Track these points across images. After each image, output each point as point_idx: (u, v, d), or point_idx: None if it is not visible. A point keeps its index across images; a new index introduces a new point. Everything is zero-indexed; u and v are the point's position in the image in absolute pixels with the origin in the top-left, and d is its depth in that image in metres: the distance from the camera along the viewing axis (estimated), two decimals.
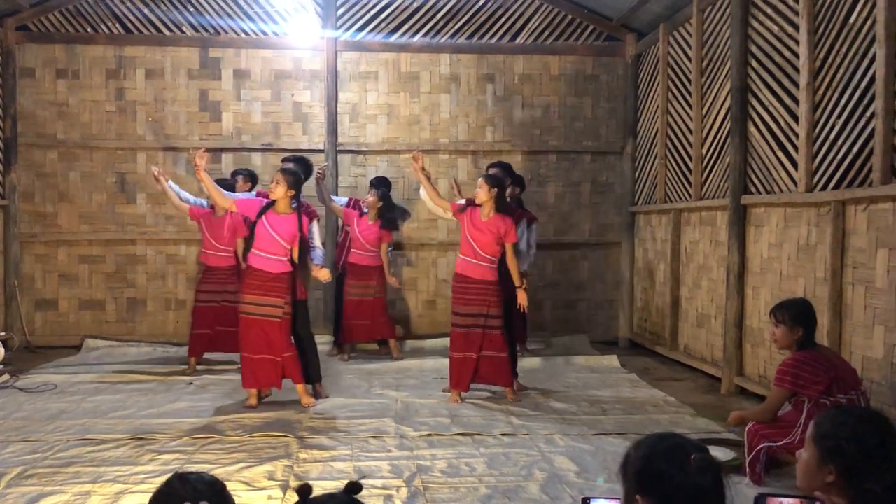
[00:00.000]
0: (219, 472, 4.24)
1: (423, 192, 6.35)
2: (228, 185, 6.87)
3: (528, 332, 8.55)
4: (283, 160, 6.53)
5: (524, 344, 7.98)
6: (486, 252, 5.91)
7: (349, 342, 7.84)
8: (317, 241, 6.03)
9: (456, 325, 6.01)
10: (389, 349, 7.92)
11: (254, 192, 7.02)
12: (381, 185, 7.83)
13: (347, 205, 7.83)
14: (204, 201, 7.07)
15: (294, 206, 5.76)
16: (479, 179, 5.99)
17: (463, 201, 6.22)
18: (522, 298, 5.99)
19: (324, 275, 5.92)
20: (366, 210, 7.67)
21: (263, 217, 5.69)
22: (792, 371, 4.04)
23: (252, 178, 7.48)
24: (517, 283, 5.99)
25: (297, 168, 6.14)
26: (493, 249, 5.91)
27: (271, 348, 5.71)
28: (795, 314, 4.16)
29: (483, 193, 5.89)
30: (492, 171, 6.41)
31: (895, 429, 2.15)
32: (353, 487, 1.79)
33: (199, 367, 7.12)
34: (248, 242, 5.78)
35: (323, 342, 8.31)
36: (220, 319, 6.99)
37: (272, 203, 5.72)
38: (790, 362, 4.09)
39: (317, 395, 6.07)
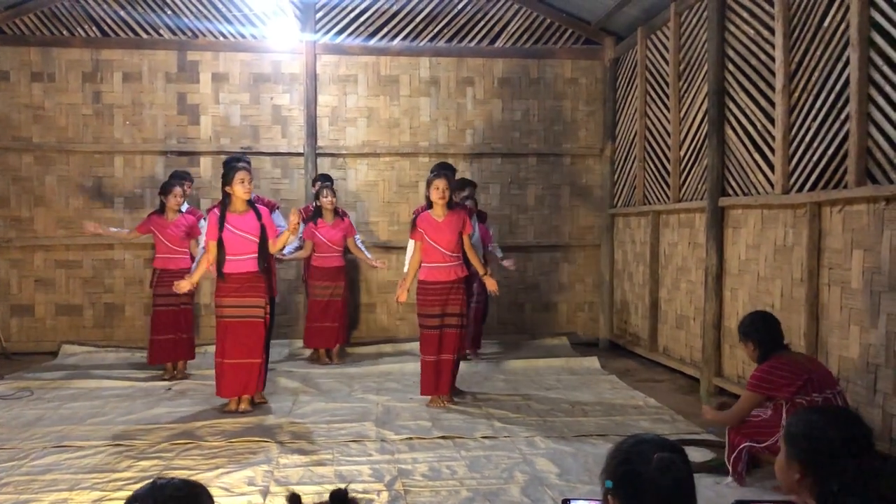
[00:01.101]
0: (198, 477, 4.21)
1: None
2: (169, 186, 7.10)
3: (512, 334, 8.59)
4: (228, 161, 6.28)
5: (477, 347, 8.03)
6: (451, 250, 5.97)
7: (316, 347, 7.79)
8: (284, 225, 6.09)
9: (429, 328, 5.98)
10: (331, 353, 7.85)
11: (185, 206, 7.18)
12: (330, 181, 7.85)
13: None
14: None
15: (248, 202, 5.77)
16: (438, 180, 5.95)
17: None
18: (492, 284, 6.12)
19: (292, 221, 5.62)
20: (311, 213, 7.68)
21: (225, 224, 5.67)
22: (765, 377, 4.10)
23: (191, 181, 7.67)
24: (482, 272, 6.15)
25: None
26: (455, 245, 5.99)
27: (249, 352, 5.67)
28: (743, 330, 4.34)
29: (448, 194, 5.96)
30: (438, 175, 6.29)
31: (864, 427, 2.16)
32: (338, 495, 1.77)
33: (174, 372, 7.07)
34: (220, 255, 5.67)
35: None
36: (180, 325, 6.98)
37: (224, 208, 5.69)
38: (764, 368, 4.15)
39: (254, 402, 5.91)
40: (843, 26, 4.89)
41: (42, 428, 5.30)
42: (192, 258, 6.94)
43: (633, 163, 8.41)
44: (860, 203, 4.70)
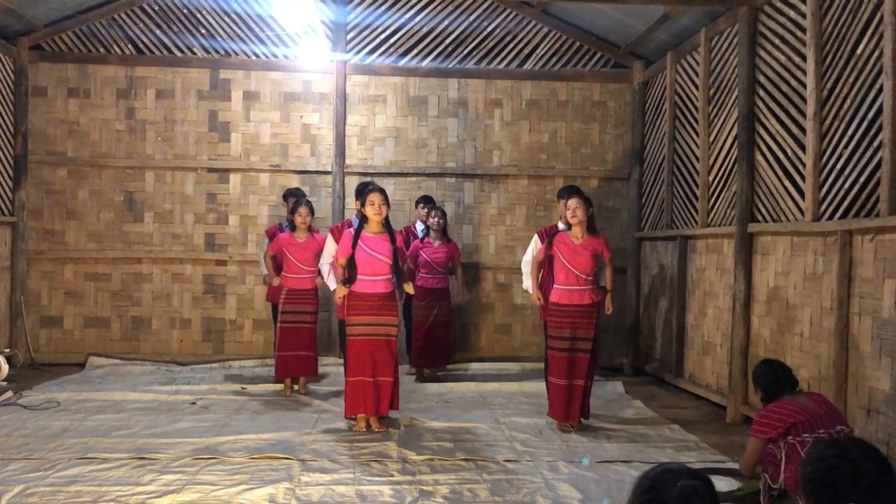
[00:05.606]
0: (220, 493, 4.23)
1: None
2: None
3: (537, 357, 8.56)
4: (366, 184, 6.43)
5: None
6: (586, 273, 5.88)
7: (421, 367, 7.93)
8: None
9: (558, 350, 5.91)
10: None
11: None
12: (433, 202, 8.01)
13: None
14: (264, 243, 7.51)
15: (384, 225, 5.82)
16: (575, 200, 5.90)
17: (536, 242, 6.44)
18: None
19: (409, 288, 5.88)
20: (419, 233, 7.87)
21: (359, 243, 5.70)
22: (760, 421, 4.21)
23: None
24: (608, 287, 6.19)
25: None
26: (590, 268, 5.89)
27: (378, 370, 5.70)
28: (753, 378, 4.51)
29: (581, 213, 5.88)
30: (571, 194, 6.20)
31: (872, 457, 2.08)
32: None
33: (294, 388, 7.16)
34: (351, 274, 5.68)
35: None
36: (303, 342, 7.02)
37: (360, 228, 5.74)
38: (762, 413, 4.25)
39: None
40: (876, 53, 4.85)
41: (68, 439, 5.35)
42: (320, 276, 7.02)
43: (660, 187, 8.37)
44: (893, 232, 4.63)
